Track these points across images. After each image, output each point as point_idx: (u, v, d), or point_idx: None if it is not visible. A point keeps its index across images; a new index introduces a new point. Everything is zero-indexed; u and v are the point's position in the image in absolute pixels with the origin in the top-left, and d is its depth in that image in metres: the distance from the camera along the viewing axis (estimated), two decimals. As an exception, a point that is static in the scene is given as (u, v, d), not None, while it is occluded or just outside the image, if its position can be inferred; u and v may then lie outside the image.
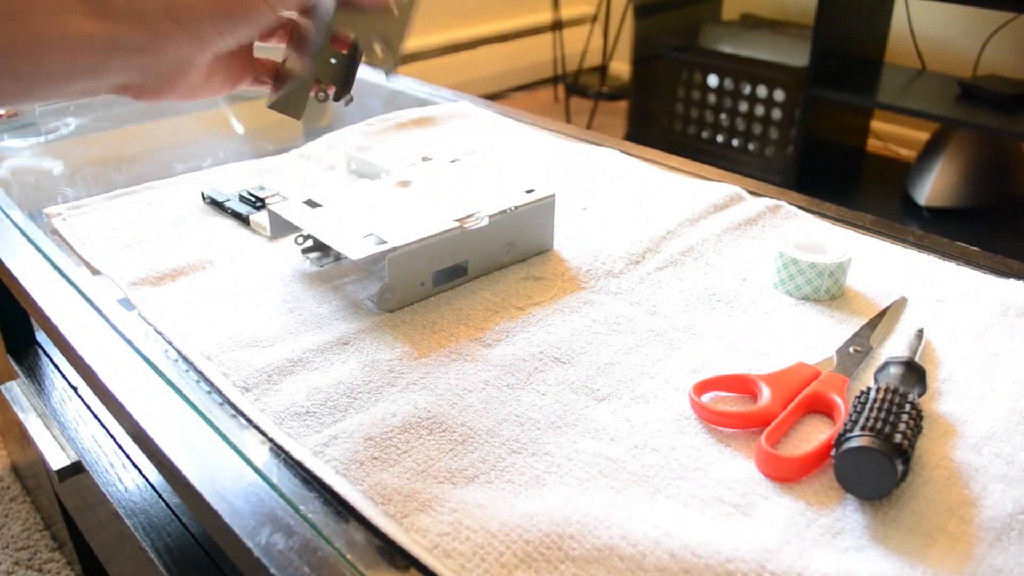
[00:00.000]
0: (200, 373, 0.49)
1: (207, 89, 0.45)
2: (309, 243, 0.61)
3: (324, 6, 0.46)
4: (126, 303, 0.57)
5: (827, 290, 0.57)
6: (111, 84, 0.41)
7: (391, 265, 0.54)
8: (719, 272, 0.61)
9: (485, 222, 0.57)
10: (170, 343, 0.52)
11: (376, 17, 0.47)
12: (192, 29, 0.40)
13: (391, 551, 0.38)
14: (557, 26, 2.76)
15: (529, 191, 0.61)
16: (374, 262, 0.56)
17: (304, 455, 0.42)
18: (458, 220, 0.57)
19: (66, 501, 0.83)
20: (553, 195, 0.61)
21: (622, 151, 0.83)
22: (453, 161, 0.67)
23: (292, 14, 0.47)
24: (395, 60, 0.48)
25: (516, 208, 0.59)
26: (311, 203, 0.60)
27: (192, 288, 0.58)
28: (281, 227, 0.60)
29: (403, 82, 1.10)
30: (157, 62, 0.40)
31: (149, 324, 0.54)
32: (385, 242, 0.53)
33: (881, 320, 0.54)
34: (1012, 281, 0.59)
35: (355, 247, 0.53)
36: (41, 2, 0.36)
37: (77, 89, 0.39)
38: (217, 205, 0.70)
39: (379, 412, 0.45)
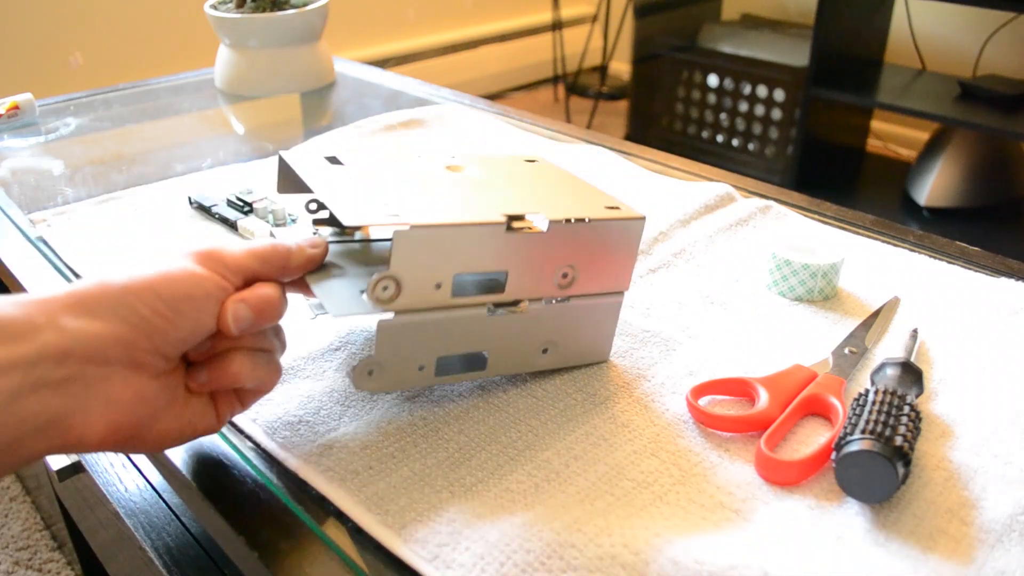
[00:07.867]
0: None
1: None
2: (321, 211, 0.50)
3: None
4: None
5: (820, 291, 0.57)
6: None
7: (381, 334, 0.41)
8: (711, 273, 0.61)
9: (544, 227, 0.44)
10: None
11: None
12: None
13: (391, 552, 0.38)
14: (557, 26, 2.76)
15: (612, 207, 0.47)
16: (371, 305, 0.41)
17: (298, 466, 0.42)
18: (508, 215, 0.43)
19: (66, 501, 0.83)
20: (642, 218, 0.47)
21: (613, 149, 0.83)
22: (530, 161, 0.55)
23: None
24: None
25: (590, 221, 0.45)
26: (333, 160, 0.48)
27: None
28: (289, 182, 0.49)
29: (403, 82, 1.10)
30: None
31: None
32: (397, 215, 0.40)
33: (875, 321, 0.54)
34: (1003, 279, 0.59)
35: (356, 214, 0.40)
36: None
37: None
38: (204, 210, 0.70)
39: (374, 420, 0.45)
